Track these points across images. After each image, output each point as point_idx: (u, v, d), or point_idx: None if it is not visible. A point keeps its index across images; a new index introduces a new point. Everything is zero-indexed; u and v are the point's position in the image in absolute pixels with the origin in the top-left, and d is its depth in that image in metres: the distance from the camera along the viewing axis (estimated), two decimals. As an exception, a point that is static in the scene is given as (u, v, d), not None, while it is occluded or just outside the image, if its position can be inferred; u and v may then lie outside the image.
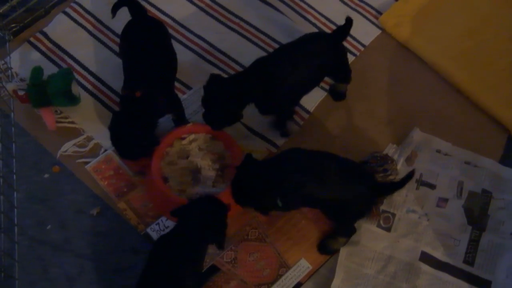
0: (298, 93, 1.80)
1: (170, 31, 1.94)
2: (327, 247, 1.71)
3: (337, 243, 1.70)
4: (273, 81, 1.68)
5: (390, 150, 1.88)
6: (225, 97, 1.65)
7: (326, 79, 1.92)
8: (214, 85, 1.66)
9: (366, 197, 1.59)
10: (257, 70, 1.70)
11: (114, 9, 1.83)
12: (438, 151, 1.90)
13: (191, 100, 1.93)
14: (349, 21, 1.75)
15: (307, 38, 1.78)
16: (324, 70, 1.81)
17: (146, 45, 1.73)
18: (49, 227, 1.73)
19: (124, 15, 1.81)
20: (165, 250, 1.45)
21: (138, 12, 1.81)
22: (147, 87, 1.65)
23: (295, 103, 1.88)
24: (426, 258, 1.71)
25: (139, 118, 1.64)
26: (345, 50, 1.85)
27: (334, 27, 2.13)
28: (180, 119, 1.83)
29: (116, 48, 2.02)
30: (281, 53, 1.76)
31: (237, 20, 2.14)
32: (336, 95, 2.00)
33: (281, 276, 1.68)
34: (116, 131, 1.65)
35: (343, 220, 1.66)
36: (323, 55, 1.75)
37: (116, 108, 1.87)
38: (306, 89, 1.82)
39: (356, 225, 1.70)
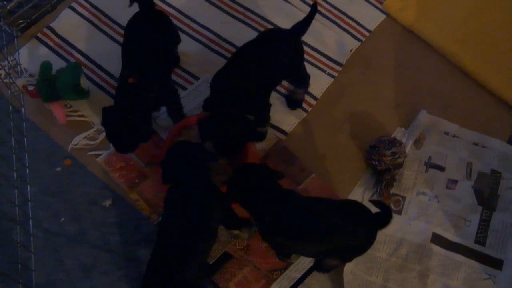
0: (263, 90, 1.71)
1: (176, 22, 1.96)
2: (324, 266, 1.66)
3: (335, 261, 1.62)
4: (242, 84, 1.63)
5: (398, 133, 1.89)
6: (242, 119, 1.62)
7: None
8: (218, 113, 1.61)
9: (367, 235, 1.49)
10: (230, 85, 1.64)
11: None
12: (446, 133, 1.91)
13: (199, 90, 1.94)
14: (314, 8, 1.70)
15: (265, 37, 1.73)
16: (283, 68, 1.72)
17: (143, 36, 1.72)
18: (63, 219, 1.76)
19: (131, 8, 1.82)
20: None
21: (146, 5, 1.81)
22: (141, 75, 1.64)
23: (264, 102, 1.77)
24: (437, 239, 1.73)
25: (131, 109, 1.61)
26: (302, 48, 1.76)
27: (339, 14, 2.15)
28: (177, 112, 1.82)
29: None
30: (239, 56, 1.70)
31: (241, 9, 2.14)
32: (292, 102, 1.92)
33: (293, 261, 1.69)
34: (109, 125, 1.65)
35: (347, 259, 1.60)
36: (281, 52, 1.68)
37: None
38: (269, 88, 1.74)
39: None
